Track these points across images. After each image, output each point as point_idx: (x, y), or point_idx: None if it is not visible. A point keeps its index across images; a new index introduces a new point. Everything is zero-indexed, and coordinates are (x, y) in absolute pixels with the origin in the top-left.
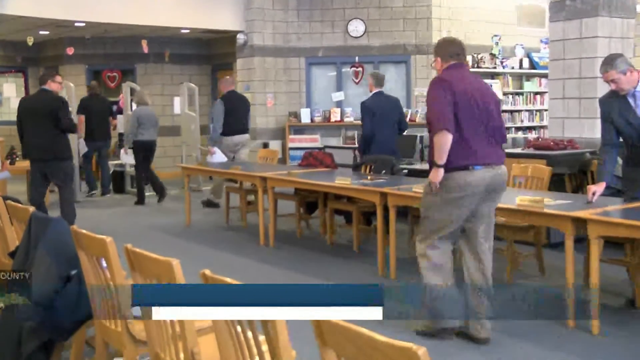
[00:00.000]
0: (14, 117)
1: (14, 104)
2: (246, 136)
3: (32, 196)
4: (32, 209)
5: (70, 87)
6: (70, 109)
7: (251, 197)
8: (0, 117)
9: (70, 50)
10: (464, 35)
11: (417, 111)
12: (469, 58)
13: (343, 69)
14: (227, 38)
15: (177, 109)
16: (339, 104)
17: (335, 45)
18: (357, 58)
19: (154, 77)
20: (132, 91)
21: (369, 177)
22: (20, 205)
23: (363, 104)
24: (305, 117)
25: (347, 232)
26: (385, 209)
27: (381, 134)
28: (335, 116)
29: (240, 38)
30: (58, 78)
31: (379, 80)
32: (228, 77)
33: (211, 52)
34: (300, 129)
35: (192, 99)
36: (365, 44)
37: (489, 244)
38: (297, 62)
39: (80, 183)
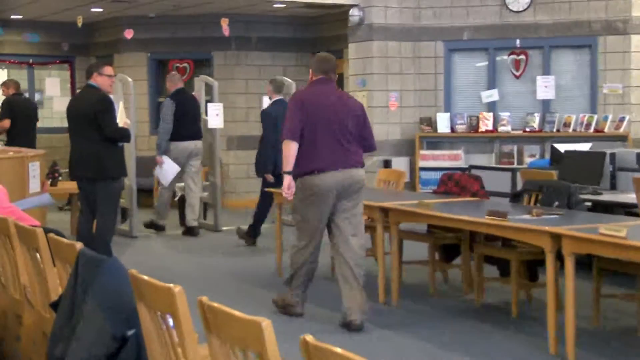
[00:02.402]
0: (57, 123)
1: (58, 105)
2: (199, 143)
3: (78, 228)
4: (79, 245)
5: (128, 82)
6: (118, 109)
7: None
8: (41, 123)
9: (129, 34)
10: None
11: (606, 117)
12: None
13: (498, 57)
14: (335, 15)
15: None
16: (491, 106)
17: (487, 24)
18: (518, 41)
19: (236, 68)
20: (208, 87)
21: (534, 212)
22: (64, 240)
23: (264, 112)
24: (442, 125)
25: (502, 290)
26: (560, 258)
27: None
28: (486, 124)
29: (354, 15)
30: (107, 70)
31: (279, 87)
32: (174, 72)
33: (313, 35)
34: (435, 142)
35: (286, 98)
36: (531, 21)
37: (358, 240)
38: (432, 48)
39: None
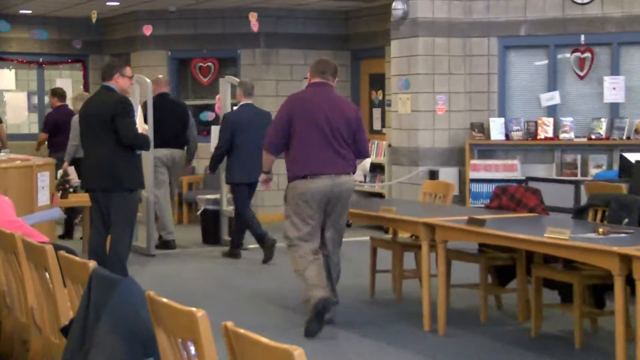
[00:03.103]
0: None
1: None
2: (175, 152)
3: (90, 244)
4: (92, 264)
5: (146, 84)
6: (137, 113)
7: (407, 255)
8: None
9: (147, 30)
10: None
11: None
12: None
13: (559, 55)
14: (375, 9)
15: None
16: (551, 111)
17: (547, 18)
18: (582, 37)
19: (264, 68)
20: (234, 89)
21: (600, 230)
22: (76, 258)
23: (225, 117)
24: (496, 131)
25: (564, 318)
26: (630, 282)
27: (246, 153)
28: (546, 131)
29: (397, 8)
30: (128, 70)
31: (248, 90)
32: (162, 76)
33: (351, 31)
34: (488, 151)
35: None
36: (597, 14)
37: (339, 251)
38: (485, 45)
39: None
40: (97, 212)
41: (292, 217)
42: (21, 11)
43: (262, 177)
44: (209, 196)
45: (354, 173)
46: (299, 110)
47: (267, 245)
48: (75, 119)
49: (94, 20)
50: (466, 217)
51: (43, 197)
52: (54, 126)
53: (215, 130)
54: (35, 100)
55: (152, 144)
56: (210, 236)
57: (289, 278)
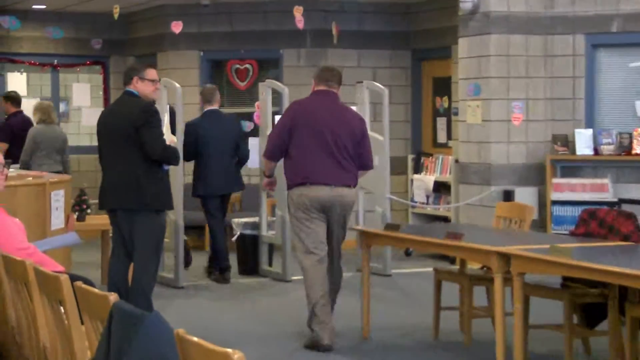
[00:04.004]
0: (86, 140)
1: (88, 117)
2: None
3: (110, 274)
4: (113, 297)
5: (175, 89)
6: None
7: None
8: None
9: (176, 27)
10: None
11: None
12: None
13: None
14: (440, 2)
15: None
16: None
17: None
18: None
19: (311, 71)
20: (276, 95)
21: None
22: (95, 290)
23: (187, 124)
24: (582, 144)
25: None
26: None
27: (212, 164)
28: None
29: (466, 1)
30: (149, 73)
31: (207, 95)
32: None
33: (411, 28)
34: (573, 168)
35: (377, 109)
36: None
37: (338, 263)
38: (569, 44)
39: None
40: (118, 237)
41: (297, 227)
42: (34, 6)
43: (265, 180)
44: (246, 219)
45: (355, 186)
46: (301, 118)
47: (216, 274)
48: (32, 131)
49: (116, 16)
50: (547, 246)
51: (57, 219)
52: (10, 136)
53: (254, 142)
54: None
55: (181, 158)
56: (248, 266)
57: (342, 316)
